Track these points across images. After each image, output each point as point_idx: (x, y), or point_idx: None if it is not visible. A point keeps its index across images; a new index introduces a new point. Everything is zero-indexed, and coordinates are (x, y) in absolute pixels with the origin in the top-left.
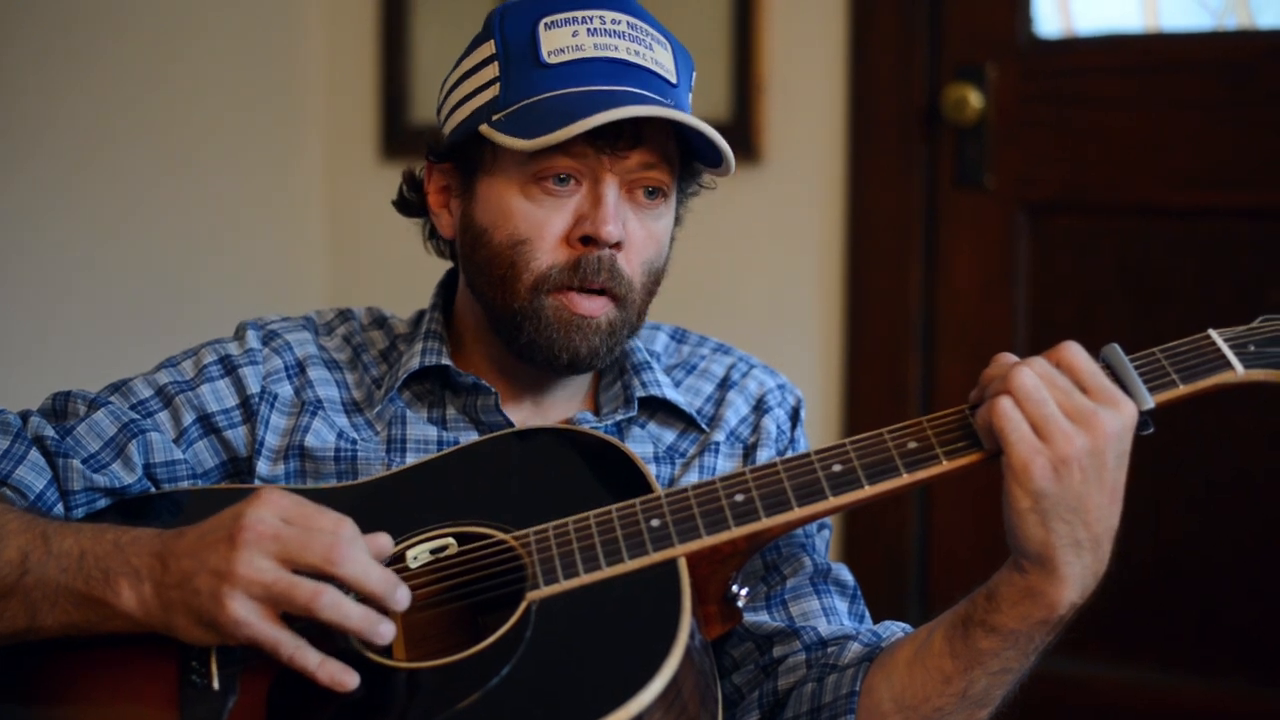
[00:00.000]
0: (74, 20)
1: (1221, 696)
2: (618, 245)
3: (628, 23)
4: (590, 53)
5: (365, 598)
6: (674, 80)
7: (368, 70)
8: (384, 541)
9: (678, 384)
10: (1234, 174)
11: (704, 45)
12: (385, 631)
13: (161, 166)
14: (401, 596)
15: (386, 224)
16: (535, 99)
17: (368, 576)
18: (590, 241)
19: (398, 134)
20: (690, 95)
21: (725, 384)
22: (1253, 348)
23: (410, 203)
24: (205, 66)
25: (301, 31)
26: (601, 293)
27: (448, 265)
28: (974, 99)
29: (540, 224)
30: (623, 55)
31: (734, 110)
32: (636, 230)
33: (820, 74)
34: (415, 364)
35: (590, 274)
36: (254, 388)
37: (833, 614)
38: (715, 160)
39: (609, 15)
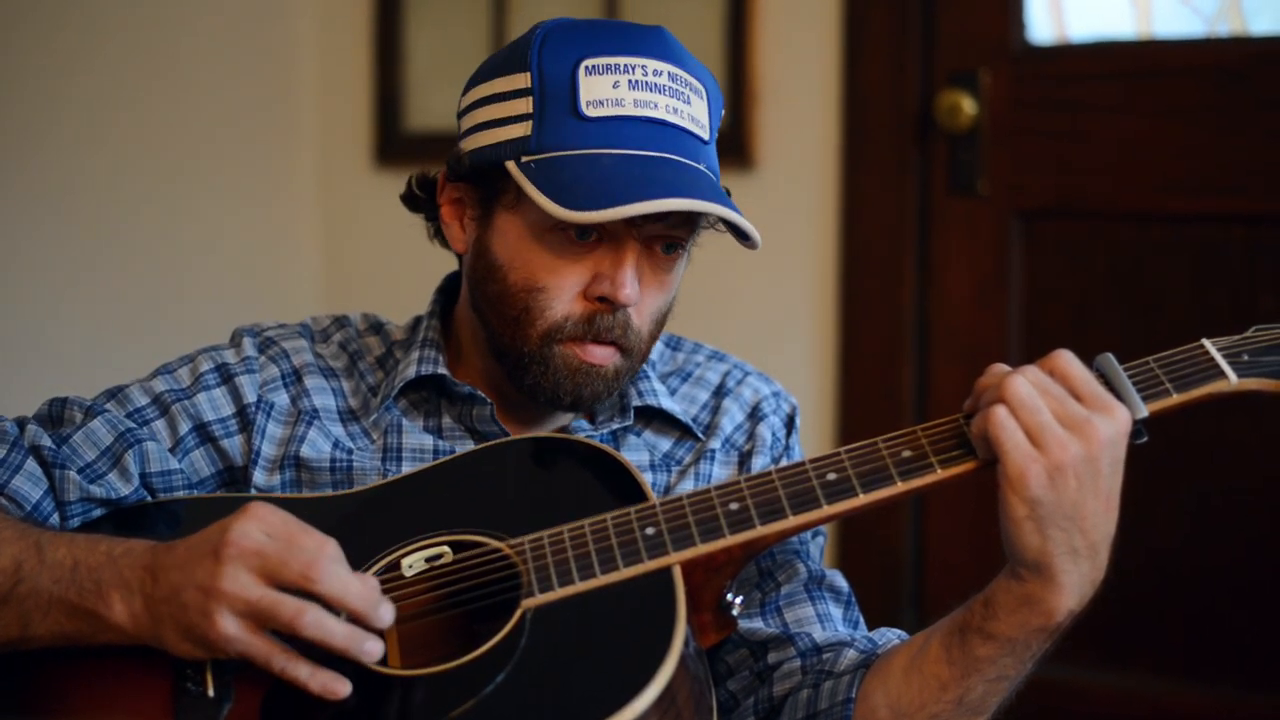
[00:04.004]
0: (68, 26)
1: (1213, 703)
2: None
3: (669, 74)
4: (630, 110)
5: (351, 615)
6: (706, 136)
7: (362, 77)
8: (371, 582)
9: (673, 392)
10: (1227, 180)
11: (698, 53)
12: (371, 649)
13: (156, 173)
14: (384, 613)
15: (381, 230)
16: (570, 153)
17: (347, 593)
18: (606, 301)
19: (392, 141)
20: (716, 137)
21: (720, 391)
22: (1246, 357)
23: (419, 201)
24: (200, 74)
25: (296, 38)
26: (612, 343)
27: (444, 271)
28: (967, 105)
29: (559, 274)
30: (661, 114)
31: (728, 117)
32: (650, 285)
33: (814, 81)
34: (412, 373)
35: (604, 330)
36: (250, 397)
37: (827, 620)
38: (742, 234)
39: (651, 65)
